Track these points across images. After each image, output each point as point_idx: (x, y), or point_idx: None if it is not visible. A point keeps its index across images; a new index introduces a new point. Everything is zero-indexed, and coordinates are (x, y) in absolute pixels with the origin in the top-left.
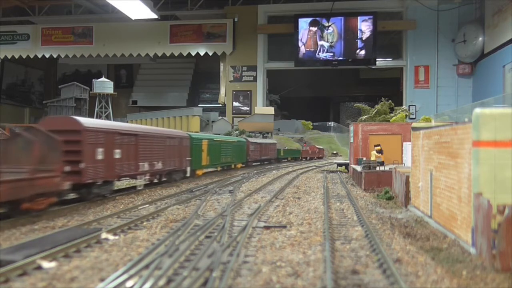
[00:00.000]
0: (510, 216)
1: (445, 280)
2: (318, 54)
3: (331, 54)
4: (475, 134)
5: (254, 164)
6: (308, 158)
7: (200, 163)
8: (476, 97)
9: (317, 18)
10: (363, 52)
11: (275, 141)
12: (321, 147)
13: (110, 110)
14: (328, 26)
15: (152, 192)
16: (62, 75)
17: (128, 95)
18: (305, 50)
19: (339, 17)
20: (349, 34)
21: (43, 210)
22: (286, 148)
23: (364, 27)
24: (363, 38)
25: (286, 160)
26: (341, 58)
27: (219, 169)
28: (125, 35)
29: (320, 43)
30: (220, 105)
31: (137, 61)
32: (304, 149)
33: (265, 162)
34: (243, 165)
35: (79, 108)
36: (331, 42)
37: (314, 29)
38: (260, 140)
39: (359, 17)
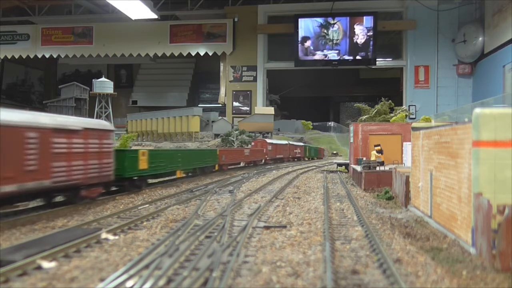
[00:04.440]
0: (510, 216)
1: (445, 280)
2: (316, 53)
3: (331, 53)
4: (475, 134)
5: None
6: (245, 163)
7: None
8: (476, 97)
9: (316, 18)
10: (363, 52)
11: (109, 128)
12: (284, 142)
13: (110, 110)
14: (333, 24)
15: (152, 192)
16: (62, 75)
17: (128, 95)
18: (304, 50)
19: (340, 17)
20: (348, 33)
21: None
22: (162, 148)
23: (364, 27)
24: (363, 38)
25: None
26: (339, 58)
27: None
28: (125, 35)
29: (320, 43)
30: (220, 105)
31: (137, 61)
32: (228, 148)
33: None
34: None
35: (79, 108)
36: (337, 40)
37: (314, 29)
38: (58, 118)
39: (357, 17)
